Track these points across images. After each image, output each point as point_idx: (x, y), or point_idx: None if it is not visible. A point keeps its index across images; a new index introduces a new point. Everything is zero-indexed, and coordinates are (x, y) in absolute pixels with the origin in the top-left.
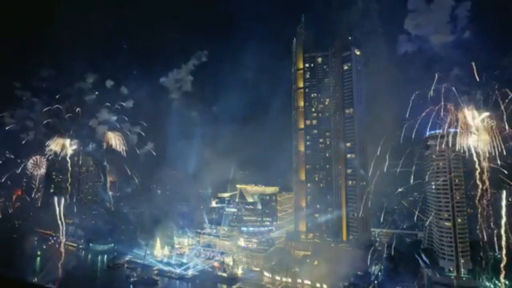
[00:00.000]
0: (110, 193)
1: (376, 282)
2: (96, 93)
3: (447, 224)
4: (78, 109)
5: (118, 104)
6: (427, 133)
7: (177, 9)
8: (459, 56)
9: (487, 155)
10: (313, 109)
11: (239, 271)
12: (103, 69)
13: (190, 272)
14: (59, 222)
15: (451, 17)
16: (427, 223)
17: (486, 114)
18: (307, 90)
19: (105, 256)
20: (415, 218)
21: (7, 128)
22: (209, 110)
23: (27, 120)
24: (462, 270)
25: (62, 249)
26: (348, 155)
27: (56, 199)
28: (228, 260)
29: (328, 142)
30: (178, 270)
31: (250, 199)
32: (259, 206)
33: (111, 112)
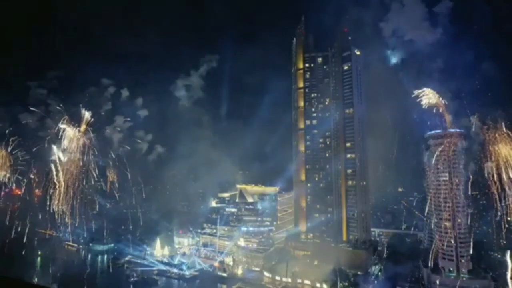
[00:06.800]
0: (115, 194)
1: (376, 282)
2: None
3: (447, 224)
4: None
5: (134, 114)
6: (427, 133)
7: (178, 12)
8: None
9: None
10: (313, 109)
11: (239, 271)
12: (118, 77)
13: (190, 272)
14: (59, 222)
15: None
16: (426, 222)
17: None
18: (307, 90)
19: (105, 256)
20: (415, 218)
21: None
22: (208, 111)
23: (46, 119)
24: (462, 270)
25: (62, 249)
26: (348, 155)
27: (56, 199)
28: (228, 260)
29: (328, 142)
30: (177, 270)
31: (250, 199)
32: (259, 206)
33: (126, 121)
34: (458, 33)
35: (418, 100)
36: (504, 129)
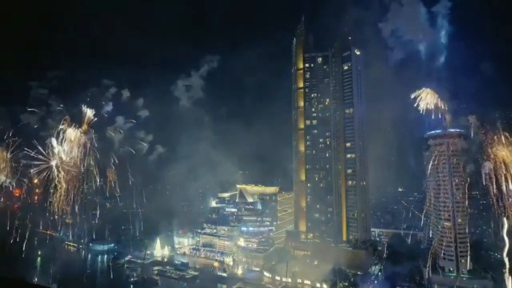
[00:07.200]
0: (115, 194)
1: (375, 282)
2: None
3: (447, 224)
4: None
5: (134, 114)
6: (427, 133)
7: (178, 12)
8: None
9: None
10: (313, 109)
11: (239, 271)
12: (118, 78)
13: (190, 272)
14: (59, 222)
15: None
16: (426, 222)
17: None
18: (307, 90)
19: (105, 256)
20: (415, 218)
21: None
22: (208, 111)
23: (47, 119)
24: (462, 269)
25: (62, 249)
26: (348, 155)
27: (57, 200)
28: (228, 260)
29: (328, 142)
30: (177, 270)
31: (250, 199)
32: (259, 206)
33: (127, 121)
34: (457, 33)
35: (416, 104)
36: (502, 133)
